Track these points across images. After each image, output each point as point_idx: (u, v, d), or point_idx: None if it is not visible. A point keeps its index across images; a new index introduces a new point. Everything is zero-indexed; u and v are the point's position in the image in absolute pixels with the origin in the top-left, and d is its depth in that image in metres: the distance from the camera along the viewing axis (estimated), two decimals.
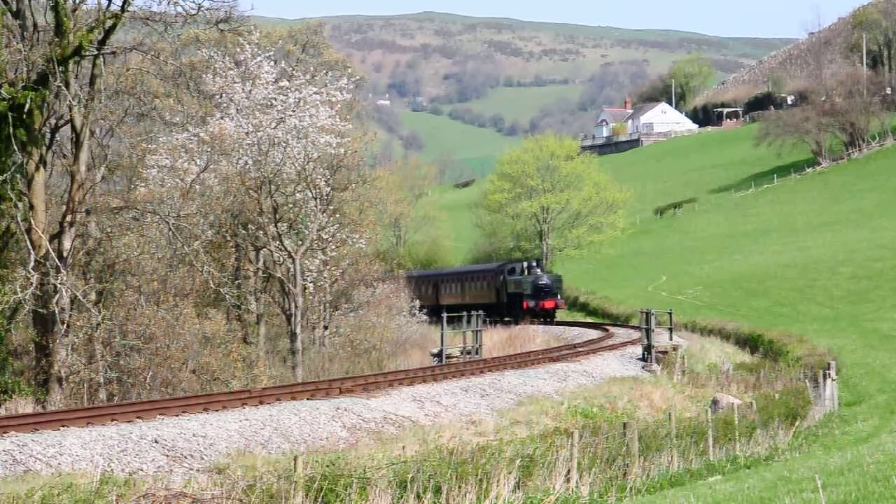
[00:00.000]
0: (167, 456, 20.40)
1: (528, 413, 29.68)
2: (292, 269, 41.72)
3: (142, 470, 19.28)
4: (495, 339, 56.11)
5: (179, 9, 32.00)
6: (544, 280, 72.54)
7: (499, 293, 75.19)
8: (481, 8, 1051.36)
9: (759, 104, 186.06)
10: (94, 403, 30.23)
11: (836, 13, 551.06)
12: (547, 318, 71.51)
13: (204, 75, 43.64)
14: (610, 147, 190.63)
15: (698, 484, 20.07)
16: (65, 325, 30.46)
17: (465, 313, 48.03)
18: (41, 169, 31.53)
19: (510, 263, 77.13)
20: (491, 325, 68.68)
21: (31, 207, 30.94)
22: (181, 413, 23.42)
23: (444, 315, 45.68)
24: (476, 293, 78.25)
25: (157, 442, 20.82)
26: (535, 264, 74.86)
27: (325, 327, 48.64)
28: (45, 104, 31.31)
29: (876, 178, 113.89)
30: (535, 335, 59.04)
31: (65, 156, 35.13)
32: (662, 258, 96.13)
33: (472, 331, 45.95)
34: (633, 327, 57.21)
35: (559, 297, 73.30)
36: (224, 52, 47.55)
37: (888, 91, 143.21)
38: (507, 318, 71.92)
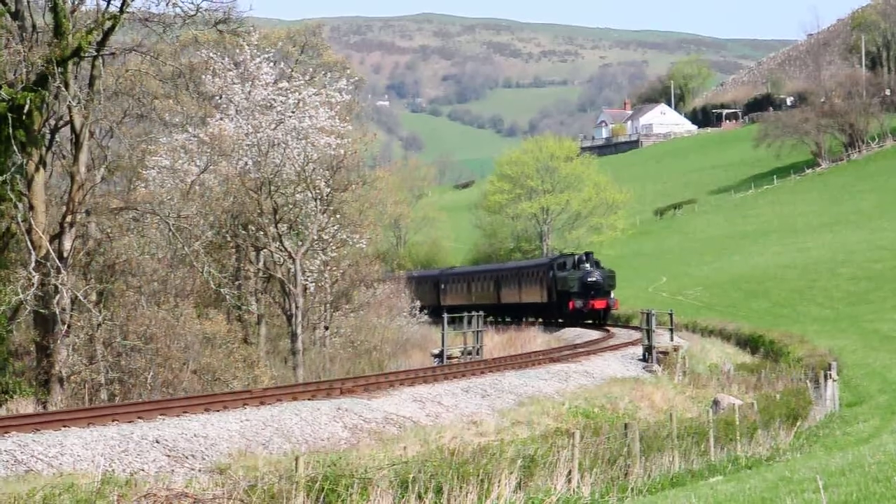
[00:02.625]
0: (168, 456, 20.38)
1: (529, 413, 29.65)
2: (293, 270, 41.72)
3: (143, 470, 19.25)
4: (496, 340, 56.13)
5: (178, 10, 32.04)
6: (594, 276, 64.01)
7: (550, 292, 67.08)
8: (480, 9, 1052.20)
9: (758, 105, 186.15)
10: (95, 404, 30.21)
11: (834, 14, 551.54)
12: (597, 320, 63.69)
13: (203, 76, 43.60)
14: (609, 148, 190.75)
15: (699, 484, 20.07)
16: (66, 326, 30.46)
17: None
18: (41, 170, 31.54)
19: (561, 257, 69.27)
20: (544, 326, 64.90)
21: (32, 208, 30.95)
22: (182, 413, 23.40)
23: (445, 315, 45.64)
24: (529, 291, 70.61)
25: (158, 442, 20.80)
26: (584, 258, 66.24)
27: (326, 328, 48.63)
28: (45, 105, 31.31)
29: (875, 179, 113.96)
30: (535, 336, 59.06)
31: (64, 156, 35.13)
32: (662, 259, 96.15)
33: (473, 331, 45.92)
34: (633, 328, 57.13)
35: (612, 295, 64.63)
36: (223, 53, 47.50)
37: (887, 92, 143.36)
38: (560, 320, 65.31)
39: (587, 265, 65.10)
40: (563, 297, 64.74)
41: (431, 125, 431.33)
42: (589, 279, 63.77)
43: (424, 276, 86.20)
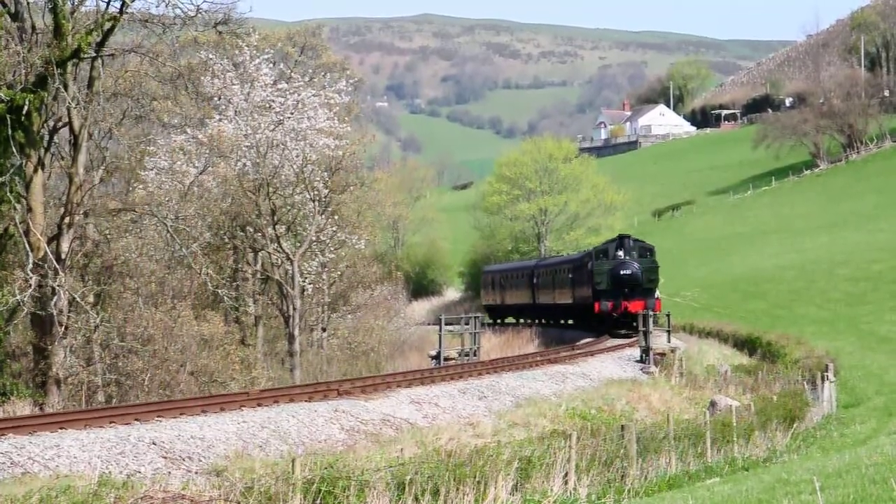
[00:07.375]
0: (165, 458, 20.37)
1: (526, 415, 29.65)
2: (290, 271, 41.73)
3: (140, 472, 19.25)
4: (493, 342, 56.09)
5: (178, 11, 32.04)
6: (630, 268, 50.34)
7: (592, 289, 52.65)
8: (479, 10, 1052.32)
9: (757, 106, 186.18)
10: (93, 405, 30.23)
11: (834, 15, 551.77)
12: (632, 329, 47.87)
13: (202, 77, 43.62)
14: (608, 149, 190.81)
15: (696, 486, 20.09)
16: (63, 327, 30.47)
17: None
18: (39, 171, 31.55)
19: (605, 244, 55.15)
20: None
21: (30, 209, 30.95)
22: (179, 415, 23.40)
23: (443, 316, 45.61)
24: (580, 288, 55.87)
25: (154, 444, 20.79)
26: (618, 244, 52.11)
27: (324, 329, 48.65)
28: (44, 106, 31.32)
29: (874, 180, 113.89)
30: (532, 337, 58.99)
31: (63, 158, 35.14)
32: (660, 260, 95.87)
33: (471, 333, 45.91)
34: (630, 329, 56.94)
35: (655, 293, 50.56)
36: (222, 54, 47.53)
37: (886, 93, 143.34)
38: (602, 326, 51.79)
39: (620, 253, 51.44)
40: (595, 296, 51.86)
41: (430, 126, 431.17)
42: (621, 272, 50.48)
43: (513, 270, 72.36)
